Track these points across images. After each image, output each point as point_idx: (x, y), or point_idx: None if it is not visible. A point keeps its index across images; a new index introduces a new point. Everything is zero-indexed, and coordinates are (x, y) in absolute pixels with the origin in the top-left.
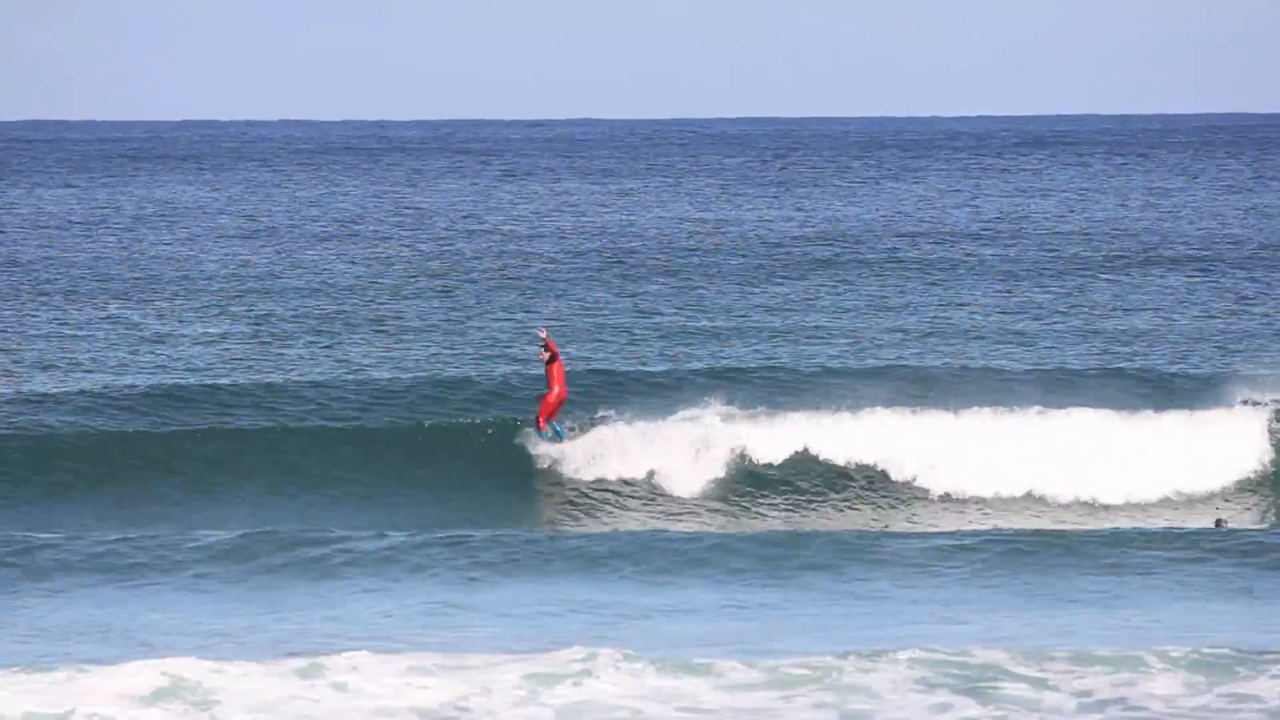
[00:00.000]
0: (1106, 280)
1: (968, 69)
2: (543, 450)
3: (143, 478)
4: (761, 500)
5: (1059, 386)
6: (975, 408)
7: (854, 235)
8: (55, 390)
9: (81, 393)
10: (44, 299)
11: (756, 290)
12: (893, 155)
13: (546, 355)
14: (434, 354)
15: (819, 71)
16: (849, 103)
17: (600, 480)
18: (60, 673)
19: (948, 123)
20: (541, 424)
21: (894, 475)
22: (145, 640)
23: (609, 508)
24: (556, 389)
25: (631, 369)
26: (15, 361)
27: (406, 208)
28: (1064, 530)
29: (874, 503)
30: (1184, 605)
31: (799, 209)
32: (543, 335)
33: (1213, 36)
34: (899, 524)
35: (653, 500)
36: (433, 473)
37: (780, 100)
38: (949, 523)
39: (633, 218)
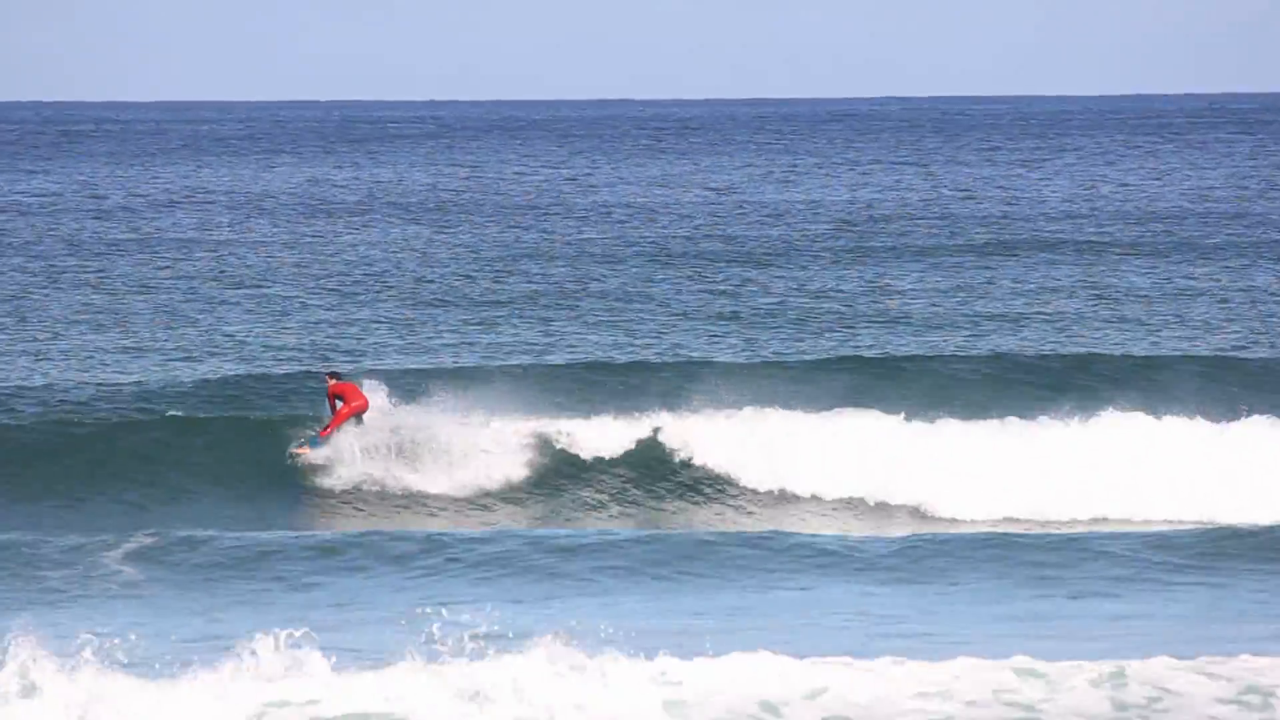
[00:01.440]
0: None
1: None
2: (304, 453)
3: None
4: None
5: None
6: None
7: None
8: None
9: None
10: None
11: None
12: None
13: (332, 381)
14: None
15: (820, 70)
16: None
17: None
18: None
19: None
20: (325, 432)
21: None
22: None
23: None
24: (355, 402)
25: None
26: None
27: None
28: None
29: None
30: None
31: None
32: (329, 380)
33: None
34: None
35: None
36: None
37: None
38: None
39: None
